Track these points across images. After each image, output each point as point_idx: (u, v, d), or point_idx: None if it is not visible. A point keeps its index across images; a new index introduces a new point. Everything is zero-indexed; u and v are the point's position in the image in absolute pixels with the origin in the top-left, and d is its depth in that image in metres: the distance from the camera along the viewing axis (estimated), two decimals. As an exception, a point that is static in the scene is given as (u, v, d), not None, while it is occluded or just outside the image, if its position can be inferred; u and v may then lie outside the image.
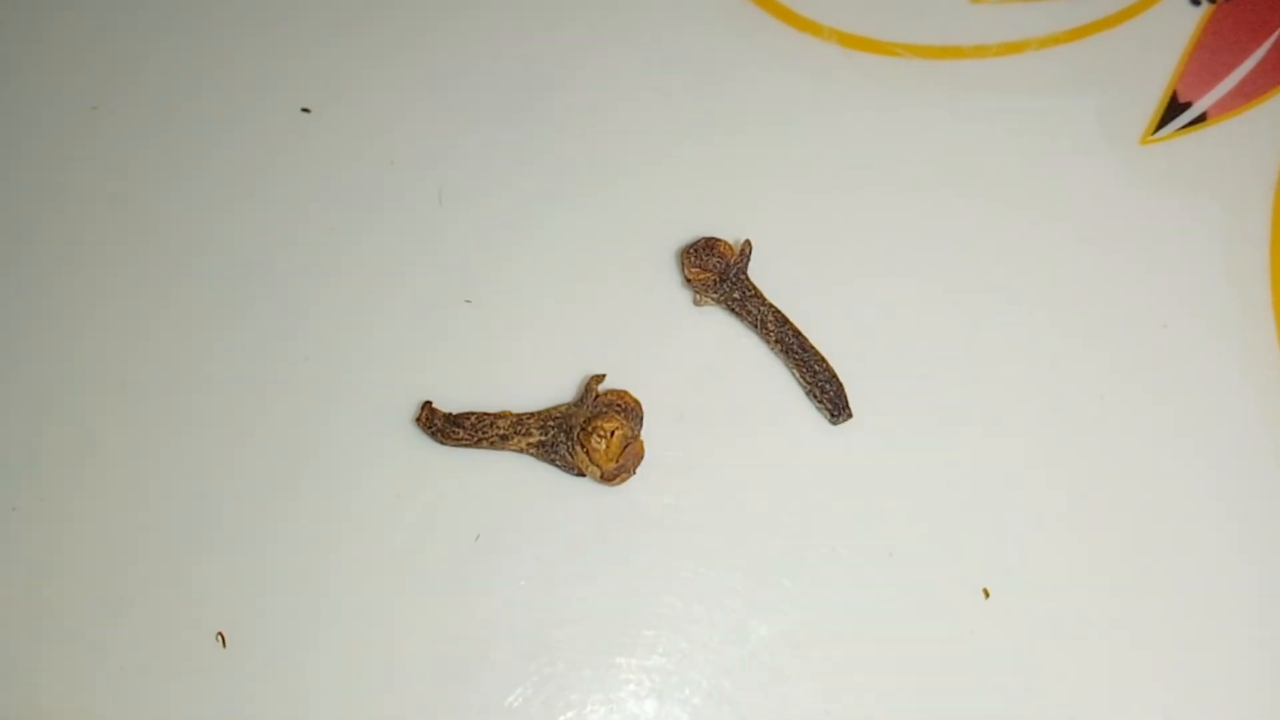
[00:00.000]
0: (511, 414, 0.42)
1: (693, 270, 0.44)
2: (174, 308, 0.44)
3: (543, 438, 0.42)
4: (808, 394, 0.44)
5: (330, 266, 0.45)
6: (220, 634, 0.40)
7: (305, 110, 0.47)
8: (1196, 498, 0.44)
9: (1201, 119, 0.50)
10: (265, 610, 0.40)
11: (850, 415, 0.43)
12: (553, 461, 0.42)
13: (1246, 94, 0.51)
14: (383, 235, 0.46)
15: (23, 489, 0.42)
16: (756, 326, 0.44)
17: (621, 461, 0.41)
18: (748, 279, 0.44)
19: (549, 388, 0.44)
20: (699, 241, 0.44)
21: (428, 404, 0.42)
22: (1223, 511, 0.43)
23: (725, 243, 0.44)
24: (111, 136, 0.47)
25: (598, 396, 0.42)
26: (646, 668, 0.41)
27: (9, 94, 0.47)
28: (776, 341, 0.44)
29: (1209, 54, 0.52)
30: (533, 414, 0.42)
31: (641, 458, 0.42)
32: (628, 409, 0.42)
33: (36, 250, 0.45)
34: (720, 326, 0.45)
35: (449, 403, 0.43)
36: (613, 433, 0.41)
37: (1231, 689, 0.41)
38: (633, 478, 0.42)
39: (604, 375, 0.43)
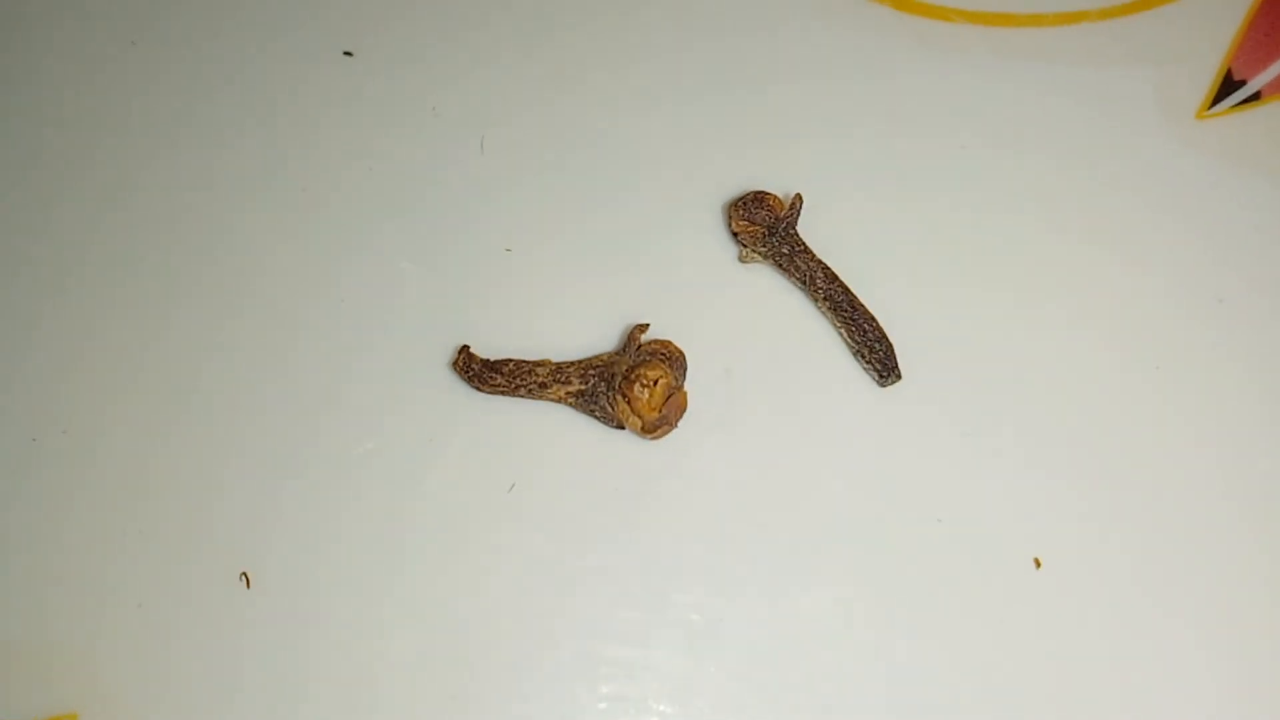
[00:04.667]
0: (551, 362, 0.41)
1: (740, 223, 0.43)
2: (210, 247, 0.43)
3: (582, 386, 0.41)
4: (855, 354, 0.43)
5: (370, 211, 0.44)
6: (244, 574, 0.38)
7: (347, 54, 0.46)
8: (1249, 469, 0.42)
9: (1256, 97, 0.49)
10: (292, 552, 0.39)
11: (899, 377, 0.42)
12: (592, 412, 0.41)
13: (1301, 76, 0.50)
14: (423, 181, 0.45)
15: (45, 420, 0.40)
16: (804, 283, 0.43)
17: (664, 412, 0.40)
18: (796, 234, 0.43)
19: (589, 337, 0.42)
20: (748, 194, 0.43)
21: (465, 349, 0.41)
22: (1277, 481, 0.42)
23: (774, 196, 0.43)
24: (151, 72, 0.46)
25: (640, 346, 0.41)
26: (684, 624, 0.39)
27: (51, 27, 0.46)
28: (825, 299, 0.43)
29: (1262, 34, 0.51)
30: (573, 362, 0.41)
31: (684, 410, 0.41)
32: (672, 358, 0.41)
33: (75, 183, 0.44)
34: (766, 282, 0.44)
35: (487, 349, 0.42)
36: (656, 381, 0.39)
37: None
38: (673, 431, 0.41)
39: (648, 325, 0.41)
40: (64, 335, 0.42)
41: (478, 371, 0.41)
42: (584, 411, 0.41)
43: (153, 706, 0.37)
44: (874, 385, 0.43)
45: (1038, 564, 0.41)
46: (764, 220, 0.43)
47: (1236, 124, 0.48)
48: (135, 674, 0.38)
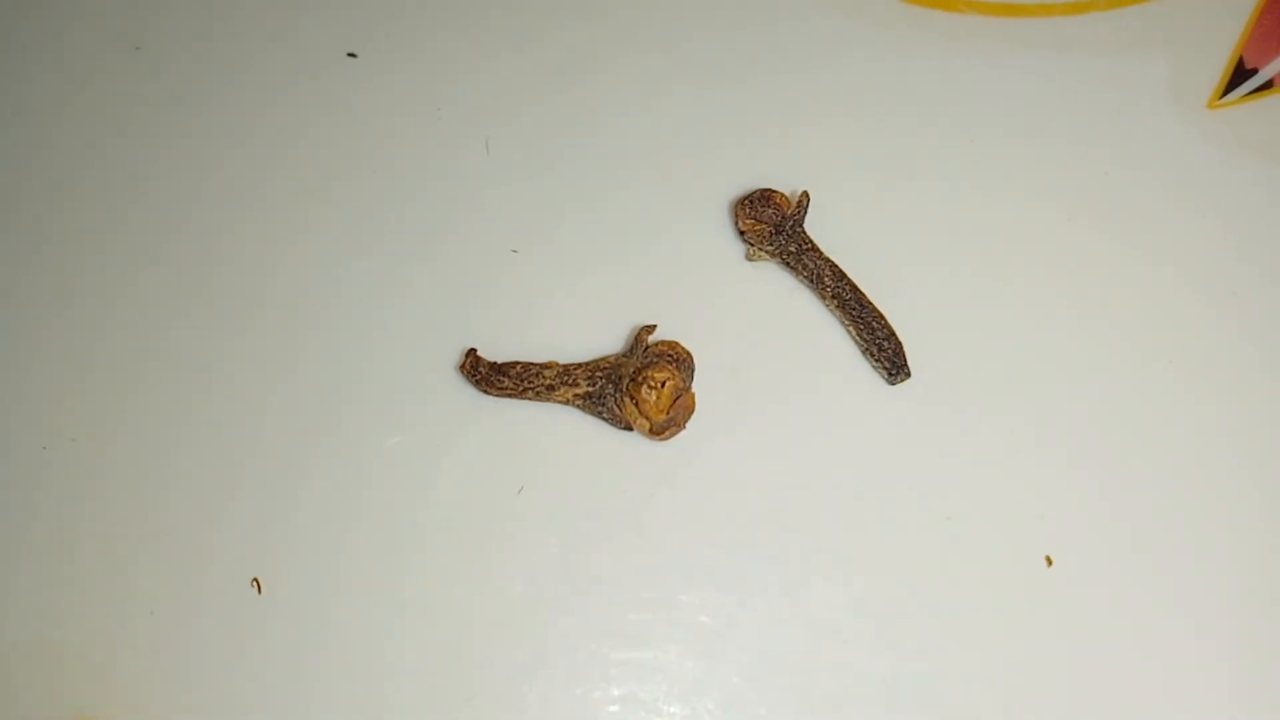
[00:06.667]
0: (558, 364, 0.41)
1: (747, 222, 0.43)
2: (216, 252, 0.43)
3: (590, 389, 0.41)
4: (864, 352, 0.43)
5: (375, 213, 0.44)
6: (256, 580, 0.39)
7: (351, 55, 0.46)
8: (1263, 466, 0.42)
9: (1268, 86, 0.49)
10: (301, 557, 0.39)
11: (908, 375, 0.42)
12: (599, 414, 0.41)
13: (1315, 63, 0.49)
14: (428, 182, 0.44)
15: (55, 428, 0.41)
16: (812, 281, 0.43)
17: (671, 414, 0.40)
18: (804, 232, 0.43)
19: (597, 338, 0.42)
20: (754, 192, 0.43)
21: (472, 351, 0.41)
22: (1294, 481, 0.42)
23: (781, 194, 0.43)
24: (156, 77, 0.46)
25: (648, 347, 0.41)
26: (694, 626, 0.39)
27: (53, 33, 0.46)
28: (833, 297, 0.42)
29: (1274, 22, 0.50)
30: (580, 364, 0.41)
31: (692, 411, 0.41)
32: (679, 360, 0.40)
33: (82, 190, 0.44)
34: (774, 281, 0.43)
35: (494, 352, 0.42)
36: (664, 383, 0.39)
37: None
38: (682, 432, 0.41)
39: (654, 326, 0.41)
40: (72, 342, 0.42)
41: (485, 374, 0.41)
42: (591, 413, 0.41)
43: (166, 712, 0.38)
44: (883, 384, 0.42)
45: (1049, 562, 0.40)
46: (771, 219, 0.42)
47: (1249, 113, 0.48)
48: (148, 681, 0.38)
